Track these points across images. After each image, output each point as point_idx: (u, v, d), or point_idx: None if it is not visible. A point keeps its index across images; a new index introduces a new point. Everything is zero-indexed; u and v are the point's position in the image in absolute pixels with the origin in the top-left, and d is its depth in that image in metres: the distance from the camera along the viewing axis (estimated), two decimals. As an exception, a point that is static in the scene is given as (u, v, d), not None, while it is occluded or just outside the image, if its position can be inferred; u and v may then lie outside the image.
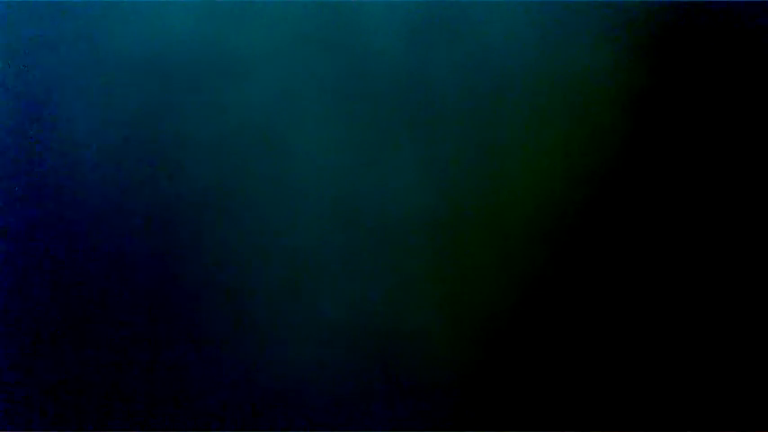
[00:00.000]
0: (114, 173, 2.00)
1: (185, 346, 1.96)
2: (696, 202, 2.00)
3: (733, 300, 1.98)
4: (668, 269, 1.98)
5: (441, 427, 1.95)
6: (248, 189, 2.00)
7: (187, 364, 1.96)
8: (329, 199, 2.00)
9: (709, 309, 1.98)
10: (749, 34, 2.03)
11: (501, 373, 1.97)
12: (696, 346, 1.97)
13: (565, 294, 1.97)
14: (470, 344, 1.97)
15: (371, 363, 1.96)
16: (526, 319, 1.97)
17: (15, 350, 1.97)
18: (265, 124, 2.02)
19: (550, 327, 1.97)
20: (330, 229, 1.99)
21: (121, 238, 1.98)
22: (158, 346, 1.96)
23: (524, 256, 1.98)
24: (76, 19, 2.04)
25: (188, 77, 2.02)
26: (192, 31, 2.03)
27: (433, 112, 2.02)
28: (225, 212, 1.99)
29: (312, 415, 1.95)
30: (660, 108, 2.02)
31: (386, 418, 1.96)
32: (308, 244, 1.99)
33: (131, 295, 1.97)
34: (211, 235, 1.98)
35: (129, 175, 2.00)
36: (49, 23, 2.04)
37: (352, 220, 1.99)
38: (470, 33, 2.04)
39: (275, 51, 2.03)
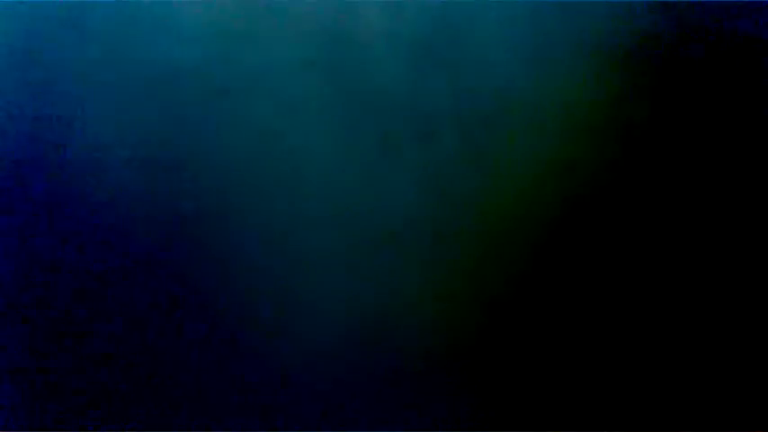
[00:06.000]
0: (117, 174, 2.01)
1: (186, 346, 1.97)
2: (696, 204, 2.00)
3: (732, 300, 1.98)
4: (668, 273, 1.99)
5: (441, 427, 1.96)
6: (252, 197, 2.01)
7: (187, 362, 1.96)
8: (330, 208, 2.01)
9: (708, 309, 1.98)
10: (749, 34, 2.03)
11: (501, 374, 1.97)
12: (696, 345, 1.97)
13: (561, 298, 1.98)
14: (470, 345, 1.97)
15: (371, 363, 1.97)
16: (527, 321, 1.98)
17: (16, 350, 1.97)
18: (269, 136, 2.03)
19: (551, 327, 1.97)
20: (331, 236, 2.00)
21: (124, 241, 1.99)
22: (159, 345, 1.97)
23: (522, 261, 1.99)
24: (77, 25, 2.05)
25: (196, 91, 2.03)
26: (199, 45, 2.05)
27: (431, 122, 2.03)
28: (229, 220, 2.00)
29: (312, 415, 1.96)
30: (661, 117, 2.03)
31: (386, 418, 1.96)
32: (310, 249, 2.00)
33: (138, 297, 1.98)
34: (214, 240, 1.99)
35: (131, 178, 2.01)
36: (51, 27, 2.05)
37: (352, 227, 2.00)
38: (469, 45, 2.05)
39: (279, 68, 2.05)
